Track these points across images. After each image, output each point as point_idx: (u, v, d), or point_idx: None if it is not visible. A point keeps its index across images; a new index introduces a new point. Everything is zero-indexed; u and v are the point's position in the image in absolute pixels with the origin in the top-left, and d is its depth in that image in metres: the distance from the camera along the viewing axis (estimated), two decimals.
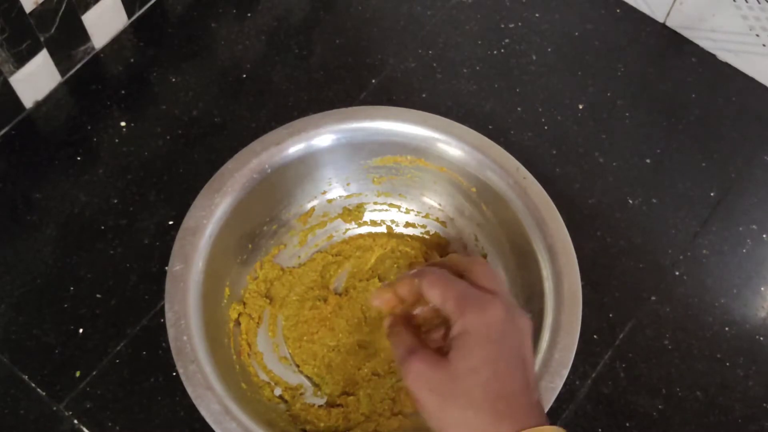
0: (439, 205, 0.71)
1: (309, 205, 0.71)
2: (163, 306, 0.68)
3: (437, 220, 0.72)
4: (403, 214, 0.72)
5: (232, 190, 0.65)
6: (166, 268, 0.70)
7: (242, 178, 0.65)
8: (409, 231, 0.72)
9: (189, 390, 0.56)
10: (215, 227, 0.63)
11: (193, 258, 0.62)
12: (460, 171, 0.68)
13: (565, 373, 0.58)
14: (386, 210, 0.72)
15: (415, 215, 0.72)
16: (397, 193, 0.72)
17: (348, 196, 0.72)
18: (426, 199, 0.72)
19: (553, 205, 0.64)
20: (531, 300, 0.63)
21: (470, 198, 0.69)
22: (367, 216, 0.72)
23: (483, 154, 0.66)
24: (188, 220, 0.63)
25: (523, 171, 0.65)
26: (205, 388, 0.57)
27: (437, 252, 0.71)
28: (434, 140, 0.67)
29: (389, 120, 0.68)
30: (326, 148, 0.68)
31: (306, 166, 0.68)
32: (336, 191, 0.71)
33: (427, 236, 0.72)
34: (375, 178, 0.71)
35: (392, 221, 0.72)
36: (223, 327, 0.64)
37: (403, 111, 0.68)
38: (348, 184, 0.71)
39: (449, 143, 0.67)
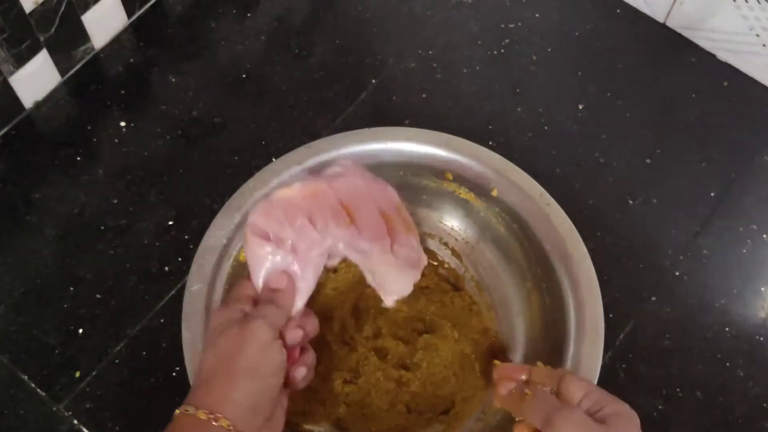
0: (458, 229, 0.70)
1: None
2: (162, 306, 0.69)
3: (453, 249, 0.70)
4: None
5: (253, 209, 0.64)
6: (166, 268, 0.70)
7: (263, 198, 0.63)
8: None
9: None
10: (235, 247, 0.62)
11: (212, 278, 0.61)
12: (482, 195, 0.66)
13: None
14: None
15: (430, 238, 0.71)
16: (415, 216, 0.70)
17: None
18: (445, 223, 0.70)
19: (577, 233, 0.63)
20: (551, 330, 0.62)
21: (491, 224, 0.67)
22: None
23: (507, 179, 0.65)
24: (207, 239, 0.62)
25: (547, 197, 0.64)
26: None
27: (450, 286, 0.70)
28: (457, 163, 0.66)
29: (412, 142, 0.67)
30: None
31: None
32: None
33: (442, 269, 0.71)
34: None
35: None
36: None
37: (426, 133, 0.67)
38: None
39: (472, 166, 0.66)
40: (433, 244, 0.71)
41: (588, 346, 0.59)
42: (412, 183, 0.68)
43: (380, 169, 0.67)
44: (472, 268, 0.70)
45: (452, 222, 0.70)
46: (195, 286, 0.60)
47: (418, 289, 0.69)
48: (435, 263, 0.71)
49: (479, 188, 0.66)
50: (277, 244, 0.55)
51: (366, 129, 0.68)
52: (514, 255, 0.67)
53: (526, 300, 0.66)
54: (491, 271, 0.69)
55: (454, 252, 0.70)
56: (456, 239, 0.70)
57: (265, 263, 0.55)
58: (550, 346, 0.62)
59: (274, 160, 0.70)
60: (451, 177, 0.67)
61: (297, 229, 0.55)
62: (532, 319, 0.65)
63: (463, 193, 0.67)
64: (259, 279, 0.55)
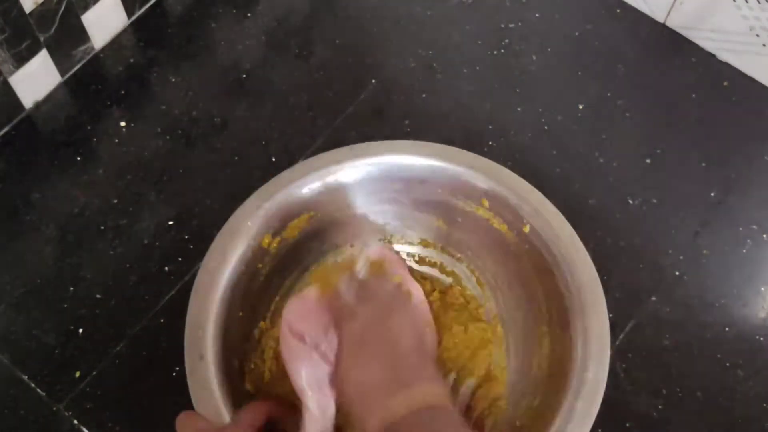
0: (486, 259, 0.69)
1: (355, 229, 0.69)
2: (162, 306, 0.69)
3: (478, 279, 0.69)
4: (435, 252, 0.70)
5: (284, 199, 0.63)
6: (166, 268, 0.70)
7: (295, 190, 0.63)
8: (439, 274, 0.70)
9: (189, 383, 0.56)
10: (257, 232, 0.62)
11: (230, 257, 0.61)
12: (515, 229, 0.65)
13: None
14: (423, 246, 0.71)
15: (458, 262, 0.70)
16: (433, 232, 0.70)
17: (393, 228, 0.70)
18: (474, 250, 0.69)
19: (600, 285, 0.60)
20: (552, 380, 0.60)
21: (519, 260, 0.65)
22: (404, 249, 0.71)
23: (541, 217, 0.63)
24: (232, 221, 0.62)
25: (577, 241, 0.62)
26: (204, 388, 0.56)
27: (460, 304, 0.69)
28: (477, 183, 0.65)
29: (452, 163, 0.65)
30: (383, 176, 0.66)
31: (361, 188, 0.66)
32: (385, 218, 0.69)
33: (465, 293, 0.69)
34: (418, 214, 0.69)
35: (428, 261, 0.71)
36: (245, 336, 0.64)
37: (450, 150, 0.65)
38: (393, 213, 0.69)
39: (509, 198, 0.64)
40: (459, 269, 0.70)
41: (581, 402, 0.57)
42: (448, 202, 0.67)
43: (418, 183, 0.66)
44: (493, 300, 0.68)
45: (482, 250, 0.68)
46: (211, 263, 0.60)
47: (448, 304, 0.68)
48: (459, 287, 0.70)
49: (512, 222, 0.65)
50: (313, 348, 0.58)
51: (409, 141, 0.66)
52: (535, 295, 0.65)
53: (538, 343, 0.64)
54: (511, 307, 0.67)
55: (479, 281, 0.69)
56: (483, 268, 0.69)
57: (305, 363, 0.58)
58: (547, 396, 0.60)
59: (273, 160, 0.70)
60: (487, 204, 0.65)
61: (329, 340, 0.58)
62: (539, 363, 0.63)
63: (497, 223, 0.65)
64: (301, 379, 0.57)
